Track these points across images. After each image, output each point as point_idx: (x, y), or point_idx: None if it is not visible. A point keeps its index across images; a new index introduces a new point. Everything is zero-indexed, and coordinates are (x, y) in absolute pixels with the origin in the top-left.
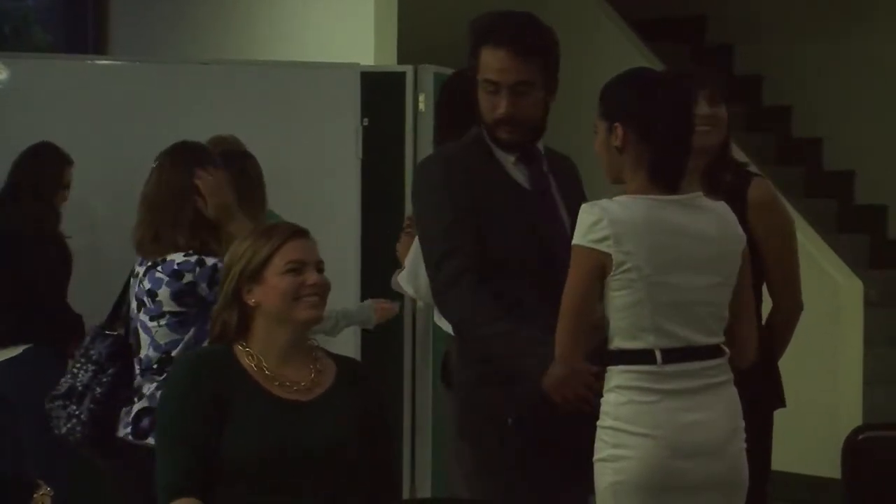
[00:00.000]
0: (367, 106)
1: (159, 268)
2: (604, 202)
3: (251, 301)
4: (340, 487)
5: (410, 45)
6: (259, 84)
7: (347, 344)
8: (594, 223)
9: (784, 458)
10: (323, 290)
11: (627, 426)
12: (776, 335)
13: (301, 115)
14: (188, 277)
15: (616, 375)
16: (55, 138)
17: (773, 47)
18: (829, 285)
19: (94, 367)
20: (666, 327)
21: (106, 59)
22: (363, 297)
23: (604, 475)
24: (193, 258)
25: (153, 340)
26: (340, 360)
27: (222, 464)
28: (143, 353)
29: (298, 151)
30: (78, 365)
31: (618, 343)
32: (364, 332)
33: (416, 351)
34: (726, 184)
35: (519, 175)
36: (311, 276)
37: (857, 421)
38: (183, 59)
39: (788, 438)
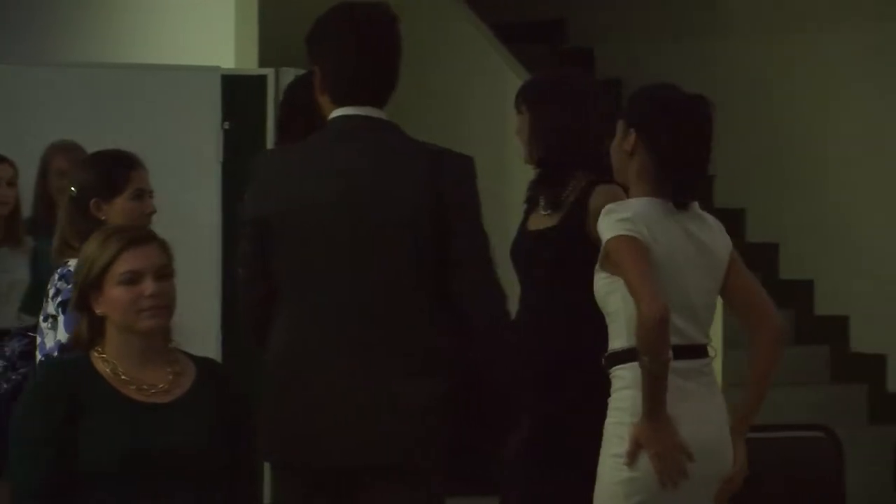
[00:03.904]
0: (228, 109)
1: (59, 270)
2: (615, 204)
3: (98, 311)
4: (202, 490)
5: (272, 47)
6: (118, 87)
7: (208, 346)
8: (623, 218)
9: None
10: (163, 299)
11: None
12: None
13: (161, 119)
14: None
15: (633, 371)
16: None
17: (631, 50)
18: None
19: (3, 364)
20: (678, 325)
21: None
22: (224, 300)
23: (618, 470)
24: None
25: (42, 343)
26: (200, 361)
27: (81, 470)
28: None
29: (159, 155)
30: None
31: (633, 341)
32: (225, 334)
33: None
34: (577, 193)
35: None
36: (149, 287)
37: None
38: (41, 62)
39: None
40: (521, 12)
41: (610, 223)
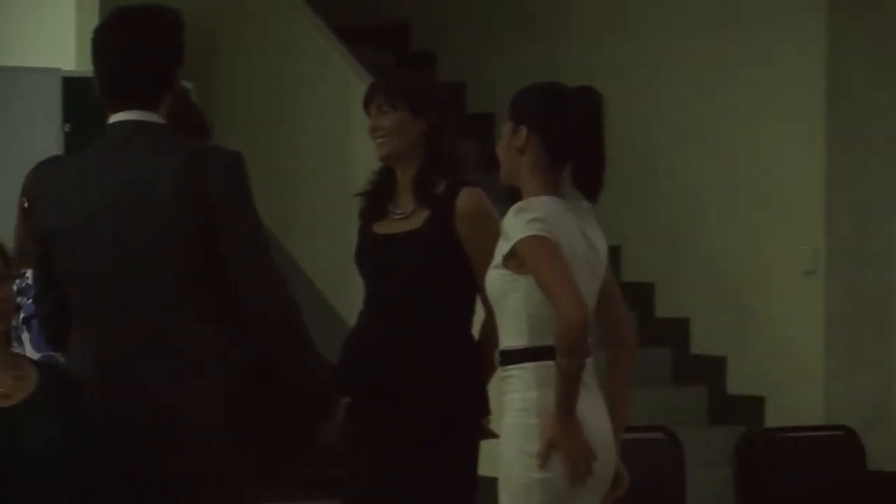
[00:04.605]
0: (68, 111)
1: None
2: (525, 203)
3: None
4: (47, 494)
5: None
6: None
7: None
8: (535, 217)
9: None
10: (2, 305)
11: None
12: (491, 343)
13: (1, 120)
14: None
15: (534, 372)
16: None
17: (475, 54)
18: None
19: None
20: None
21: None
22: None
23: (529, 470)
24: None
25: None
26: (43, 366)
27: None
28: None
29: None
30: None
31: (534, 340)
32: None
33: None
34: (437, 195)
35: None
36: None
37: None
38: None
39: (495, 442)
40: (365, 16)
41: (521, 222)
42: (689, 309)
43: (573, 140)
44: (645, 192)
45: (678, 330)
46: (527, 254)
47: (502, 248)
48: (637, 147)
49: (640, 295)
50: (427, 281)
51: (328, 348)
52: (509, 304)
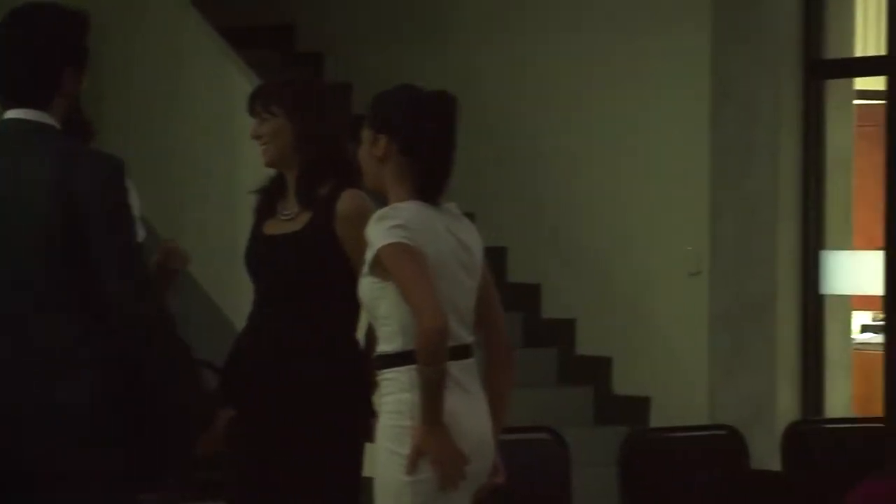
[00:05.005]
0: None
1: None
2: (387, 210)
3: None
4: None
5: None
6: None
7: None
8: (396, 225)
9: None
10: None
11: None
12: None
13: None
14: None
15: (407, 374)
16: None
17: (361, 54)
18: None
19: None
20: (451, 328)
21: None
22: None
23: (402, 473)
24: None
25: None
26: None
27: None
28: None
29: None
30: None
31: (407, 344)
32: None
33: None
34: (320, 197)
35: None
36: None
37: None
38: None
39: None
40: (250, 17)
41: (382, 230)
42: (574, 310)
43: (431, 146)
44: (531, 194)
45: (564, 330)
46: (388, 262)
47: (368, 256)
48: (523, 148)
49: (526, 296)
50: (309, 283)
51: (214, 350)
52: (380, 310)
